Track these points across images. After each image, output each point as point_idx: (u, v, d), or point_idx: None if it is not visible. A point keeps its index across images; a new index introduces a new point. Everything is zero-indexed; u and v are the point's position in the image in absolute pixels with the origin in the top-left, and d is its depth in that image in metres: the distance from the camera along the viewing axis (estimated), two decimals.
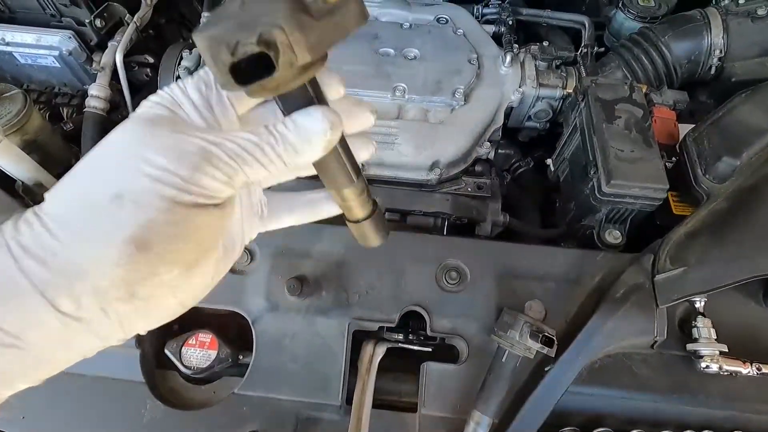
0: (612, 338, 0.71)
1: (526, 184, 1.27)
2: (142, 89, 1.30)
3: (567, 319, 0.76)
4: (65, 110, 1.23)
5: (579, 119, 0.93)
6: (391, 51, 1.13)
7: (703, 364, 0.69)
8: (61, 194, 0.31)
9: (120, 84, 1.18)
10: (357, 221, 0.42)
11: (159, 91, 0.35)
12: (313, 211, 0.44)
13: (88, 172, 0.32)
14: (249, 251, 0.80)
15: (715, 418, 0.72)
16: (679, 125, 0.99)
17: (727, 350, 0.69)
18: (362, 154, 0.40)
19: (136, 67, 1.37)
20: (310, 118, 0.31)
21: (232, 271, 0.80)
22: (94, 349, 0.32)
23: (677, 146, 0.91)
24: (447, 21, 1.23)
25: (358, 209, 0.41)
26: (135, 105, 1.25)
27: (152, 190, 0.29)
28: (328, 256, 0.80)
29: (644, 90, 0.99)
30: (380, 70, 1.10)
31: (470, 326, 0.77)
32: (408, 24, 1.21)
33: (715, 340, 0.71)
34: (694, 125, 0.93)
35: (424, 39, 1.16)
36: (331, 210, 0.43)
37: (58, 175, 1.11)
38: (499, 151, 1.24)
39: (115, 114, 1.21)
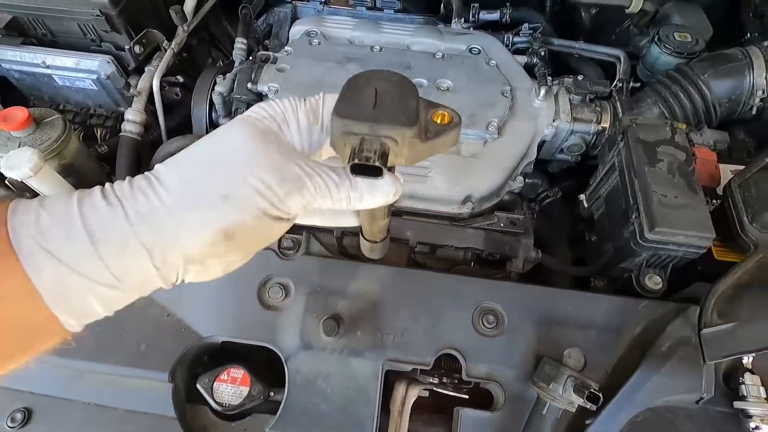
0: (657, 394, 0.69)
1: (553, 215, 1.25)
2: (174, 109, 1.32)
3: (607, 369, 0.74)
4: (99, 131, 1.25)
5: (618, 159, 0.92)
6: (425, 82, 1.13)
7: (753, 425, 0.67)
8: (177, 174, 0.38)
9: (154, 106, 1.20)
10: (373, 242, 0.55)
11: (272, 104, 0.43)
12: (337, 218, 0.51)
13: (204, 165, 0.39)
14: (283, 287, 0.80)
15: None
16: (720, 166, 0.97)
17: None
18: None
19: (167, 87, 1.39)
20: (382, 180, 0.39)
21: (267, 306, 0.80)
22: (155, 288, 0.40)
23: (721, 189, 0.89)
24: (480, 51, 1.23)
25: (378, 234, 0.54)
26: (167, 125, 1.27)
27: (252, 200, 0.38)
28: (363, 295, 0.79)
29: (684, 129, 0.97)
30: None
31: (507, 373, 0.75)
32: (441, 54, 1.21)
33: (765, 399, 0.68)
34: (736, 167, 0.91)
35: (457, 70, 1.16)
36: (351, 222, 0.51)
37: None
38: (526, 180, 1.23)
39: (147, 135, 1.23)
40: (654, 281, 0.83)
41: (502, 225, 1.01)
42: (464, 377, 0.76)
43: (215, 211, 0.37)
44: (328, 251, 0.85)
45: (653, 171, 0.83)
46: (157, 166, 0.39)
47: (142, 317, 0.80)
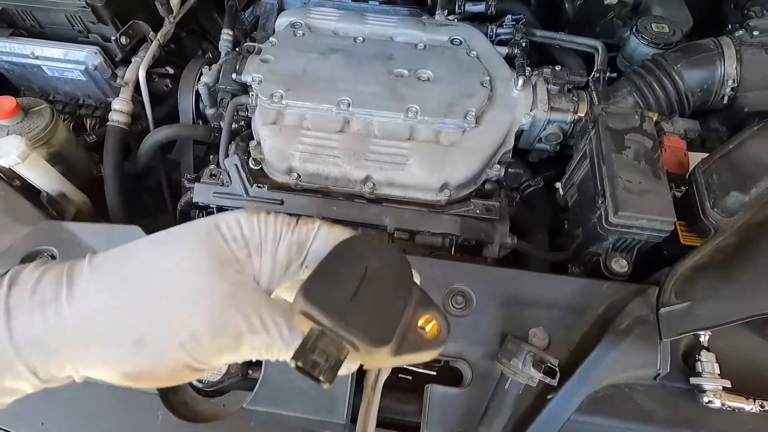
0: (615, 369, 0.72)
1: (535, 204, 1.28)
2: (162, 99, 1.34)
3: (570, 347, 0.77)
4: (88, 121, 1.28)
5: (589, 147, 0.94)
6: (405, 72, 1.16)
7: (706, 399, 0.70)
8: (93, 292, 0.33)
9: (141, 96, 1.23)
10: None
11: (254, 224, 0.36)
12: None
13: (128, 293, 0.33)
14: None
15: None
16: (690, 154, 1.00)
17: (730, 386, 0.70)
18: None
19: (157, 78, 1.42)
20: None
21: None
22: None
23: (687, 176, 0.92)
24: (461, 42, 1.25)
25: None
26: (156, 116, 1.29)
27: (171, 354, 0.32)
28: None
29: (655, 118, 1.00)
30: (394, 91, 1.12)
31: (475, 351, 0.79)
32: (422, 45, 1.23)
33: (719, 375, 0.71)
34: (704, 155, 0.94)
35: (437, 61, 1.18)
36: None
37: (81, 185, 1.16)
38: (509, 170, 1.25)
39: (135, 125, 1.25)
40: (620, 264, 0.86)
41: (478, 212, 1.04)
42: None
43: (122, 354, 0.32)
44: None
45: (620, 158, 0.86)
46: (82, 265, 0.34)
47: None
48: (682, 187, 0.94)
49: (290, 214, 0.40)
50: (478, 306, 0.80)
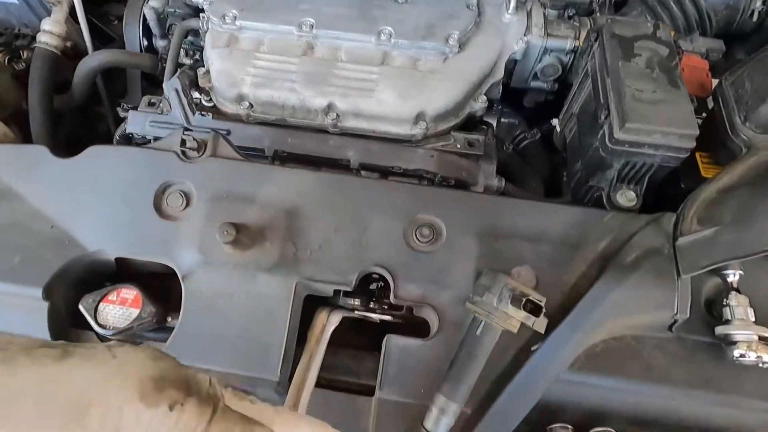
0: (618, 312, 0.56)
1: (531, 159, 1.12)
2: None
3: (563, 290, 0.62)
4: (25, 53, 1.13)
5: (591, 64, 0.79)
6: None
7: (737, 353, 0.54)
8: None
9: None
10: None
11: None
12: None
13: None
14: (184, 194, 0.68)
15: (749, 422, 0.57)
16: (713, 80, 0.84)
17: None
18: None
19: (116, 21, 1.27)
20: None
21: (164, 216, 0.68)
22: None
23: (711, 96, 0.75)
24: None
25: None
26: (97, 47, 1.14)
27: None
28: (276, 202, 0.67)
29: (672, 35, 0.84)
30: (365, 12, 0.97)
31: (443, 294, 0.63)
32: None
33: (754, 322, 0.55)
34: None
35: None
36: None
37: (5, 119, 1.02)
38: (502, 120, 1.10)
39: (70, 50, 1.10)
40: (627, 197, 0.70)
41: (459, 146, 0.88)
42: (393, 300, 0.63)
43: None
44: (239, 153, 0.72)
45: (628, 66, 0.70)
46: None
47: (22, 229, 0.69)
48: (703, 114, 0.78)
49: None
50: (448, 240, 0.65)
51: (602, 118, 0.69)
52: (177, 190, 0.68)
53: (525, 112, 1.18)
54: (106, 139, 1.18)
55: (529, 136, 1.14)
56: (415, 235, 0.65)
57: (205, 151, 0.70)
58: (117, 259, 0.69)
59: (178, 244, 0.67)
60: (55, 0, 0.99)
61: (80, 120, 1.18)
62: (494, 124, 1.02)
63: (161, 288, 0.71)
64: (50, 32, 0.98)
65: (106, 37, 1.26)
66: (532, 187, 1.01)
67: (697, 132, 0.63)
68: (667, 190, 0.75)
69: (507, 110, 1.13)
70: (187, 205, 0.68)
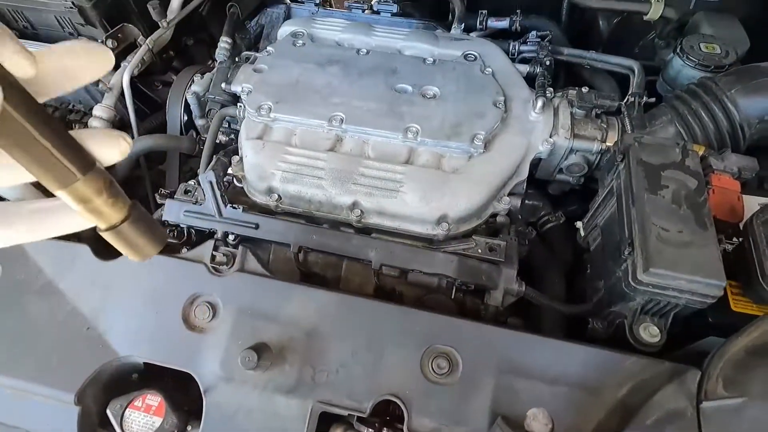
0: None
1: (554, 242, 1.11)
2: (160, 107, 1.28)
3: None
4: (77, 126, 1.22)
5: (617, 183, 0.78)
6: (409, 88, 1.03)
7: None
8: None
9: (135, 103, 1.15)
10: (112, 227, 0.34)
11: None
12: (44, 223, 0.34)
13: None
14: (211, 306, 0.71)
15: None
16: (745, 197, 0.82)
17: None
18: (107, 151, 0.32)
19: (160, 86, 1.36)
20: None
21: (191, 327, 0.71)
22: None
23: (741, 226, 0.74)
24: (475, 58, 1.12)
25: (108, 211, 0.33)
26: (149, 124, 1.22)
27: None
28: (296, 322, 0.69)
29: (702, 152, 0.83)
30: (394, 108, 1.00)
31: (457, 431, 0.63)
32: (432, 59, 1.11)
33: None
34: (764, 200, 0.76)
35: (446, 76, 1.06)
36: (72, 222, 0.34)
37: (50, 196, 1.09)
38: (526, 201, 1.10)
39: (120, 123, 1.18)
40: (650, 332, 0.69)
41: (479, 251, 0.89)
42: (405, 431, 0.64)
43: None
44: (271, 270, 0.75)
45: (654, 199, 0.69)
46: None
47: (61, 328, 0.73)
48: (735, 239, 0.76)
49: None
50: (464, 373, 0.65)
51: (626, 252, 0.68)
52: (204, 301, 0.71)
53: (548, 193, 1.18)
54: (143, 202, 1.24)
55: (553, 219, 1.14)
56: (432, 366, 0.65)
57: (233, 264, 0.73)
58: (145, 363, 0.72)
59: (202, 356, 0.69)
60: (107, 87, 1.07)
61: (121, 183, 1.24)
62: (519, 206, 1.01)
63: (185, 388, 0.74)
64: (100, 118, 1.05)
65: (149, 101, 1.35)
66: (554, 283, 1.00)
67: (725, 282, 0.62)
68: (693, 320, 0.73)
69: (531, 192, 1.13)
70: (214, 317, 0.71)
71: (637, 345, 0.70)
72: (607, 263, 0.77)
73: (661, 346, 0.69)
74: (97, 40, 1.08)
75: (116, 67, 1.12)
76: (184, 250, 0.85)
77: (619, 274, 0.70)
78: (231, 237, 0.92)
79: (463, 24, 1.27)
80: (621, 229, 0.72)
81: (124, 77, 1.07)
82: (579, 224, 0.94)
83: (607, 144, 0.97)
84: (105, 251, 0.79)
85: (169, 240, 1.01)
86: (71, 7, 1.01)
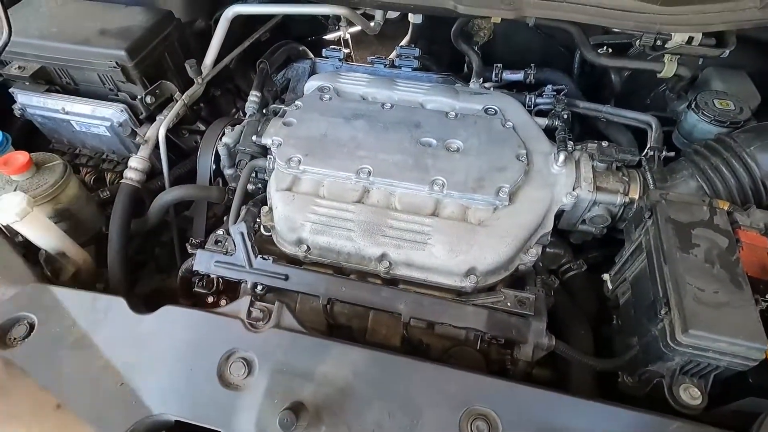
0: None
1: (576, 290, 1.11)
2: (191, 155, 1.32)
3: None
4: (109, 175, 1.26)
5: (645, 239, 0.80)
6: (433, 141, 1.07)
7: None
8: None
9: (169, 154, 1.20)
10: None
11: None
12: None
13: None
14: (247, 363, 0.71)
15: None
16: None
17: None
18: None
19: (187, 134, 1.41)
20: None
21: (226, 384, 0.71)
22: None
23: None
24: (496, 112, 1.16)
25: None
26: (180, 170, 1.26)
27: None
28: (332, 380, 0.68)
29: (726, 208, 0.84)
30: (419, 161, 1.03)
31: None
32: (454, 113, 1.15)
33: None
34: None
35: (469, 130, 1.10)
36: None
37: (88, 240, 1.12)
38: (548, 250, 1.10)
39: (153, 182, 1.23)
40: (691, 394, 0.68)
41: (509, 304, 0.89)
42: None
43: None
44: (304, 324, 0.76)
45: (687, 258, 0.70)
46: None
47: (95, 383, 0.73)
48: (767, 296, 0.76)
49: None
50: None
51: (662, 312, 0.68)
52: (240, 358, 0.72)
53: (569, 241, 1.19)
54: (173, 250, 1.26)
55: (575, 267, 1.14)
56: (471, 427, 0.64)
57: (269, 320, 0.74)
58: (176, 420, 0.71)
59: (236, 415, 0.69)
60: (143, 139, 1.12)
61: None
62: (540, 254, 1.01)
63: None
64: (135, 169, 1.09)
65: (176, 148, 1.40)
66: (580, 336, 0.99)
67: (766, 345, 0.62)
68: (733, 380, 0.72)
69: (552, 239, 1.14)
70: (249, 374, 0.71)
71: (678, 407, 0.68)
72: (639, 320, 0.77)
73: (702, 409, 0.68)
74: (137, 97, 1.14)
75: (153, 119, 1.17)
76: (223, 302, 0.86)
77: (655, 333, 0.70)
78: (259, 288, 0.93)
79: (481, 79, 1.32)
80: (654, 286, 0.73)
81: (161, 131, 1.11)
82: (606, 276, 0.95)
83: (631, 196, 0.99)
84: (141, 305, 0.80)
85: (198, 289, 1.03)
86: (115, 67, 1.07)
